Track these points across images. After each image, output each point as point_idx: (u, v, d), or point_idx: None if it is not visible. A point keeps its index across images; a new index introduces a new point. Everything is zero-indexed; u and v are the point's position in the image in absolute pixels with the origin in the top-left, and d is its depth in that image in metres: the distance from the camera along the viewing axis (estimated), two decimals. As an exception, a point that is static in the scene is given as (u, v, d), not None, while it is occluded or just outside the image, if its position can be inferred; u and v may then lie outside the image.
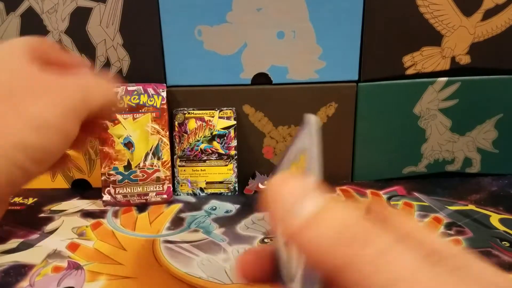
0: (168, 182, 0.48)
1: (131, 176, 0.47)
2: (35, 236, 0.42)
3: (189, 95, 0.49)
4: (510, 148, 0.53)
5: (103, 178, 0.47)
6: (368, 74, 0.49)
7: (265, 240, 0.41)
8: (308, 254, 0.15)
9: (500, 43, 0.49)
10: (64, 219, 0.45)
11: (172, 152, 0.49)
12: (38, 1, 0.47)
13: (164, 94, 0.48)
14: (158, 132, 0.47)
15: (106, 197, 0.47)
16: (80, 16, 0.47)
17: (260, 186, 0.52)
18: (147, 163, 0.47)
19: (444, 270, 0.14)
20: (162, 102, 0.47)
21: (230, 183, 0.50)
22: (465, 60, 0.49)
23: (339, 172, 0.52)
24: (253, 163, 0.52)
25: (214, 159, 0.49)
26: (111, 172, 0.47)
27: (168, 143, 0.48)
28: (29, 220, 0.45)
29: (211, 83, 0.49)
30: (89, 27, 0.48)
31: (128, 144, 0.47)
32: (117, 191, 0.47)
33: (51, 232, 0.42)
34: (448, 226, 0.43)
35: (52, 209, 0.47)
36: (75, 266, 0.37)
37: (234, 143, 0.49)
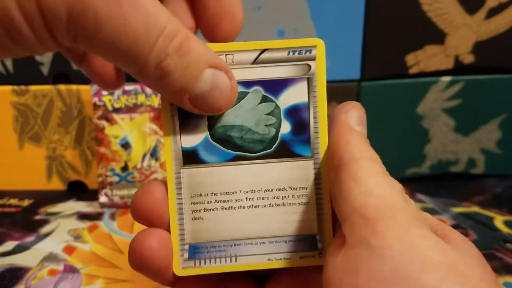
0: (166, 183, 0.47)
1: (128, 178, 0.46)
2: (30, 238, 0.41)
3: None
4: (514, 149, 0.52)
5: (99, 179, 0.46)
6: (371, 73, 0.48)
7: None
8: None
9: (504, 42, 0.48)
10: (60, 221, 0.44)
11: (171, 153, 0.48)
12: None
13: (162, 93, 0.47)
14: (156, 133, 0.47)
15: (103, 198, 0.46)
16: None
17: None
18: (145, 164, 0.46)
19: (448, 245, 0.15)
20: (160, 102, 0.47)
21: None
22: (468, 59, 0.49)
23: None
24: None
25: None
26: (108, 173, 0.46)
27: (167, 144, 0.47)
28: (24, 222, 0.44)
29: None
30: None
31: (125, 145, 0.46)
32: (114, 192, 0.46)
33: (47, 234, 0.42)
34: (452, 228, 0.42)
35: (48, 211, 0.46)
36: (71, 270, 0.36)
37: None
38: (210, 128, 0.19)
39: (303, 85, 0.19)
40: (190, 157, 0.19)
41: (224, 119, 0.19)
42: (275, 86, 0.19)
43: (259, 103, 0.19)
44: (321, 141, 0.19)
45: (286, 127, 0.19)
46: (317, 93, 0.19)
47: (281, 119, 0.19)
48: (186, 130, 0.19)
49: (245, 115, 0.19)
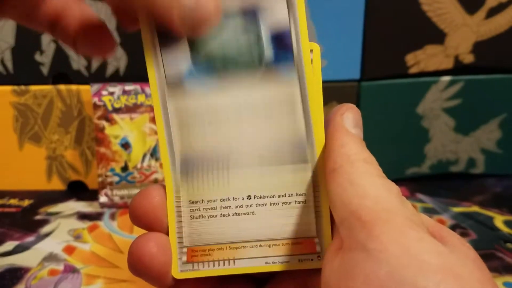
0: (166, 183, 0.47)
1: (128, 178, 0.46)
2: (31, 238, 0.41)
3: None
4: (514, 149, 0.52)
5: (99, 179, 0.46)
6: (371, 73, 0.48)
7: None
8: None
9: (504, 42, 0.48)
10: (60, 221, 0.44)
11: (171, 153, 0.48)
12: None
13: (162, 93, 0.47)
14: (156, 133, 0.47)
15: (103, 198, 0.46)
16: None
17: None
18: (145, 164, 0.46)
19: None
20: (161, 102, 0.47)
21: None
22: (468, 59, 0.49)
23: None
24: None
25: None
26: (108, 173, 0.46)
27: (167, 144, 0.47)
28: (25, 222, 0.44)
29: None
30: (86, 26, 0.47)
31: (125, 145, 0.46)
32: (114, 192, 0.46)
33: (47, 234, 0.42)
34: (452, 228, 0.42)
35: (48, 211, 0.46)
36: (71, 270, 0.36)
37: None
38: (193, 58, 0.19)
39: (283, 7, 0.19)
40: (175, 88, 0.19)
41: (207, 48, 0.19)
42: (255, 14, 0.19)
43: (241, 31, 0.19)
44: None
45: (269, 52, 0.19)
46: (298, 15, 0.19)
47: (263, 45, 0.19)
48: (169, 62, 0.19)
49: (227, 44, 0.19)
